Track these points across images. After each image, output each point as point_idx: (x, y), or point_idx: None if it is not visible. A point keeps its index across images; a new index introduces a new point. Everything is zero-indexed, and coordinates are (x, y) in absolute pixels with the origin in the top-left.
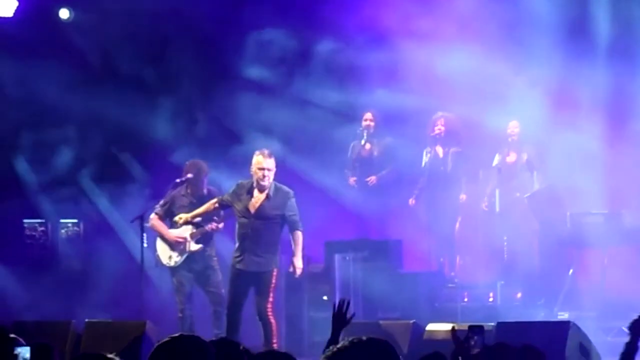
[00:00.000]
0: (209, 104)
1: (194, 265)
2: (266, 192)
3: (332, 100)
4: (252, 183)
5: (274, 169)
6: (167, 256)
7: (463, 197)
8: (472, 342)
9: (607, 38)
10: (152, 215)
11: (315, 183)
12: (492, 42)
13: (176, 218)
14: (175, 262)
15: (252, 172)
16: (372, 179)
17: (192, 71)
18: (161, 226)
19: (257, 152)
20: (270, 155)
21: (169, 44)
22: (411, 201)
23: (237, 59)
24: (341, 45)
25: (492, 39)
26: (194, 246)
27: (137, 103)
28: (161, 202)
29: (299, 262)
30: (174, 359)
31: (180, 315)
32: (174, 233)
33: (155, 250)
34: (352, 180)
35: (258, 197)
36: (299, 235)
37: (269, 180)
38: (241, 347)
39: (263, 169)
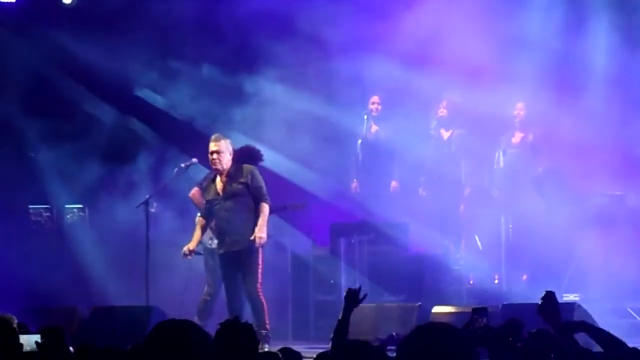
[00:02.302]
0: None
1: None
2: (226, 172)
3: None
4: (214, 173)
5: (225, 151)
6: (208, 237)
7: (467, 190)
8: (477, 324)
9: (609, 15)
10: (195, 189)
11: (320, 166)
12: (497, 23)
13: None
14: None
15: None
16: (395, 184)
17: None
18: (202, 203)
19: None
20: (218, 138)
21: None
22: (421, 191)
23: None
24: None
25: (497, 21)
26: None
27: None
28: (204, 177)
29: (258, 232)
30: (165, 344)
31: (207, 298)
32: None
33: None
34: (353, 185)
35: (220, 180)
36: (264, 206)
37: (220, 162)
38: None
39: (212, 152)
